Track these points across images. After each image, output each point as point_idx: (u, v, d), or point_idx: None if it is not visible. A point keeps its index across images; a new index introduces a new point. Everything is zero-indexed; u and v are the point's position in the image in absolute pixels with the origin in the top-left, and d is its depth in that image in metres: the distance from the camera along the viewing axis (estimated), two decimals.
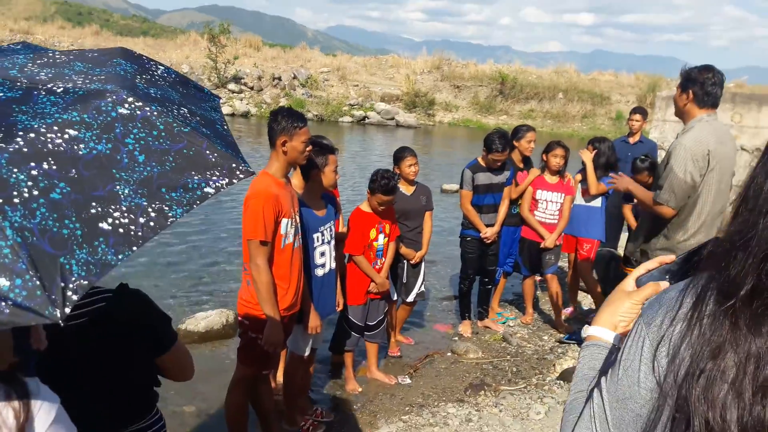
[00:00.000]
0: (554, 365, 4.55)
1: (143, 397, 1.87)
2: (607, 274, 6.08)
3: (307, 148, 3.04)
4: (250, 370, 3.12)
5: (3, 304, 0.89)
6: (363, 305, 4.11)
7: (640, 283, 1.07)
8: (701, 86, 3.34)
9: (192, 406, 3.87)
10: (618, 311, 1.05)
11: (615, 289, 1.10)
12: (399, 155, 4.48)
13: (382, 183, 3.81)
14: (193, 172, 1.18)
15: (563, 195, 5.21)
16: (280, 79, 23.54)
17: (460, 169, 5.07)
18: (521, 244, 5.39)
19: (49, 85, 1.22)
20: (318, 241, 3.42)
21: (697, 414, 0.75)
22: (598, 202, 5.40)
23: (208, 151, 1.22)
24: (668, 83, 24.84)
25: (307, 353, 3.53)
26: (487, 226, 4.96)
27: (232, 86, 22.38)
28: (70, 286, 0.95)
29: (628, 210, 5.38)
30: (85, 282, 0.97)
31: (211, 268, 6.60)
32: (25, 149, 1.04)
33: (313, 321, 3.36)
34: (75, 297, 0.95)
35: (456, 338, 5.21)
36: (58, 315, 0.92)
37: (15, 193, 0.99)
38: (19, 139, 1.05)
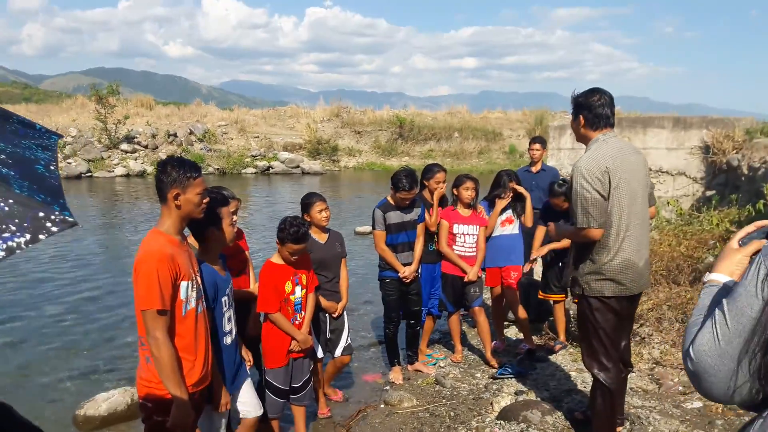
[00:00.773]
0: (491, 404, 4.34)
1: None
2: (527, 300, 6.05)
3: (204, 200, 2.70)
4: None
5: None
6: (285, 367, 3.72)
7: (743, 243, 1.42)
8: (590, 110, 3.36)
9: None
10: (733, 262, 1.41)
11: (724, 248, 1.45)
12: (307, 201, 4.20)
13: (291, 231, 3.51)
14: None
15: (478, 227, 5.16)
16: (175, 135, 22.77)
17: (370, 210, 4.87)
18: (443, 280, 5.23)
19: None
20: (225, 305, 3.04)
21: None
22: (516, 229, 5.39)
23: None
24: (553, 116, 26.51)
25: None
26: (404, 265, 4.77)
27: (125, 146, 21.38)
28: None
29: (540, 234, 5.37)
30: None
31: (112, 343, 5.95)
32: None
33: (224, 396, 2.96)
34: None
35: (387, 387, 4.90)
36: None
37: None
38: None
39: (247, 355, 3.51)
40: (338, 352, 4.31)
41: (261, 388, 3.81)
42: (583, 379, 4.65)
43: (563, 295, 5.34)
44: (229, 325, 3.08)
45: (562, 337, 5.50)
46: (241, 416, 3.27)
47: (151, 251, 2.50)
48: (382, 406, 4.53)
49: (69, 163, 20.06)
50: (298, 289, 3.71)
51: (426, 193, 5.16)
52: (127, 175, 20.10)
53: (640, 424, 3.83)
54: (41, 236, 0.91)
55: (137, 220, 12.98)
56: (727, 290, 1.33)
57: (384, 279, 4.86)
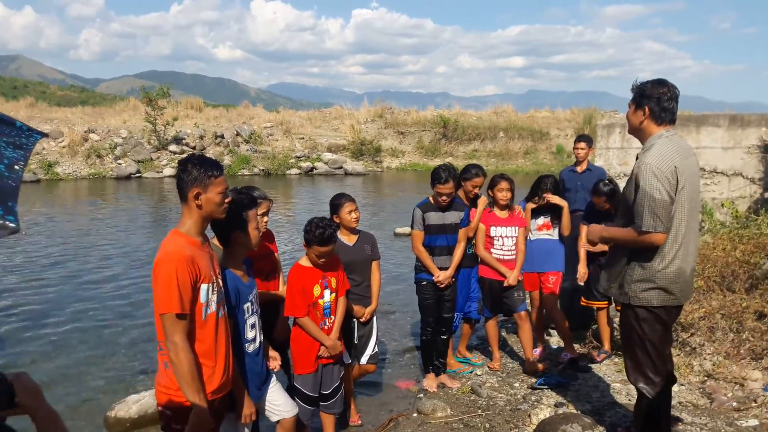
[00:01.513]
0: (529, 416, 4.14)
1: None
2: (572, 307, 5.80)
3: (226, 200, 2.62)
4: None
5: None
6: (314, 373, 3.63)
7: None
8: (657, 102, 3.12)
9: None
10: None
11: None
12: (336, 203, 4.09)
13: (317, 233, 3.41)
14: None
15: (517, 228, 4.98)
16: (222, 137, 23.16)
17: (411, 210, 4.74)
18: (481, 284, 5.07)
19: None
20: (248, 311, 2.96)
21: None
22: (555, 234, 5.20)
23: None
24: (602, 115, 25.76)
25: None
26: (441, 269, 4.60)
27: (173, 147, 21.86)
28: None
29: (584, 233, 5.12)
30: None
31: (150, 344, 6.01)
32: None
33: (248, 408, 2.87)
34: None
35: (421, 395, 4.76)
36: None
37: None
38: None
39: (273, 354, 3.38)
40: (364, 359, 4.19)
41: (290, 393, 3.73)
42: (628, 392, 4.40)
43: (606, 302, 5.08)
44: (252, 332, 3.00)
45: (606, 346, 5.24)
46: (277, 418, 3.19)
47: (169, 253, 2.44)
48: (415, 415, 4.38)
49: (119, 164, 20.67)
50: (327, 292, 3.61)
51: (461, 193, 5.00)
52: (175, 176, 20.55)
53: None
54: None
55: None
56: None
57: (420, 281, 4.70)
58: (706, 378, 4.54)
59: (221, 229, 2.88)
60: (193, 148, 22.26)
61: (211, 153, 21.85)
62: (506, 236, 4.96)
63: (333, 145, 24.55)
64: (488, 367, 5.24)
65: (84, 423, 4.38)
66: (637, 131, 3.24)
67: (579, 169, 6.36)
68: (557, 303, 5.15)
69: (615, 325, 5.29)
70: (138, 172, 20.55)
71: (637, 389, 3.29)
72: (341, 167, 22.85)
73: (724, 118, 9.05)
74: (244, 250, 2.97)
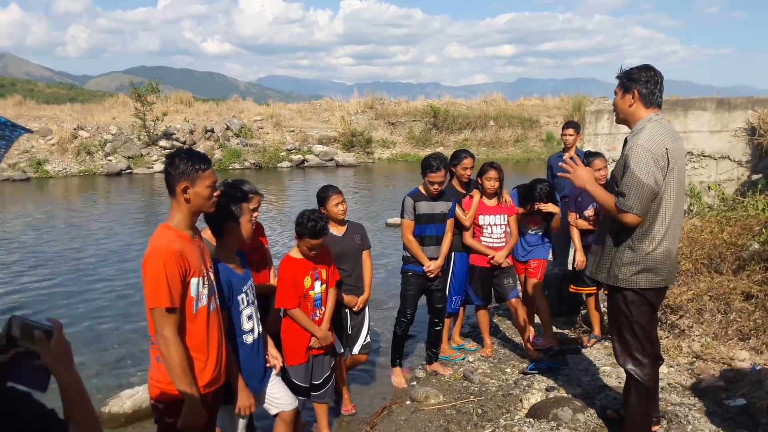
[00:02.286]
0: (521, 401, 4.20)
1: None
2: (561, 294, 5.86)
3: (215, 194, 2.63)
4: None
5: None
6: (305, 364, 3.66)
7: None
8: (645, 85, 3.16)
9: None
10: None
11: None
12: (323, 195, 4.10)
13: (308, 226, 3.43)
14: None
15: (506, 216, 5.01)
16: (212, 131, 23.05)
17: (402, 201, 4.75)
18: (471, 272, 5.10)
19: None
20: (243, 303, 2.97)
21: None
22: (541, 231, 5.23)
23: None
24: (591, 101, 25.80)
25: None
26: (431, 259, 4.64)
27: (163, 143, 21.74)
28: None
29: (573, 220, 5.15)
30: None
31: (142, 339, 6.01)
32: None
33: (245, 399, 2.88)
34: None
35: (414, 383, 4.81)
36: None
37: None
38: None
39: (274, 353, 3.32)
40: (356, 349, 4.23)
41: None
42: (617, 375, 4.46)
43: (595, 288, 5.13)
44: (249, 324, 3.01)
45: (596, 330, 5.29)
46: (276, 411, 3.22)
47: (158, 247, 2.45)
48: (408, 402, 4.43)
49: (109, 161, 20.56)
50: (317, 284, 3.64)
51: (455, 182, 5.03)
52: None
53: (677, 423, 3.63)
54: None
55: None
56: None
57: (407, 272, 4.72)
58: (694, 359, 4.61)
59: (214, 221, 2.89)
60: (183, 143, 22.15)
61: (201, 147, 21.76)
62: (495, 224, 4.99)
63: (324, 137, 24.50)
64: (480, 354, 5.29)
65: None
66: (625, 117, 3.27)
67: (567, 155, 6.38)
68: (541, 290, 5.18)
69: (604, 309, 5.35)
70: (128, 168, 20.45)
71: (626, 371, 3.34)
72: (332, 159, 22.83)
73: (711, 101, 9.09)
74: (237, 243, 2.98)
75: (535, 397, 4.20)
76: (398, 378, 4.80)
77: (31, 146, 20.36)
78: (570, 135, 6.37)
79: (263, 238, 4.04)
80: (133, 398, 4.37)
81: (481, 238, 5.02)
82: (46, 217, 12.82)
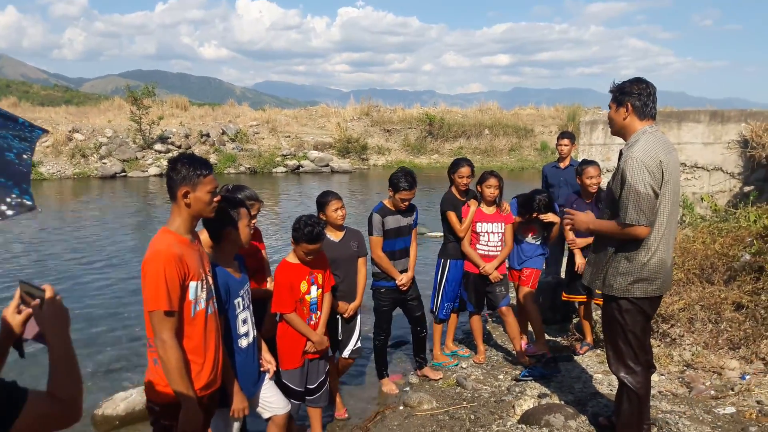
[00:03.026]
0: (513, 407, 4.23)
1: None
2: (554, 301, 5.91)
3: (215, 199, 2.67)
4: None
5: None
6: (301, 368, 3.69)
7: None
8: (638, 97, 3.22)
9: None
10: None
11: None
12: (322, 200, 4.14)
13: (306, 231, 3.46)
14: None
15: (503, 224, 5.06)
16: (208, 135, 23.08)
17: None
18: (465, 279, 5.15)
19: None
20: (239, 307, 3.00)
21: None
22: (538, 240, 5.29)
23: None
24: (586, 111, 25.93)
25: None
26: (401, 272, 4.65)
27: (158, 146, 21.76)
28: None
29: (570, 240, 5.20)
30: None
31: (137, 341, 6.03)
32: None
33: (239, 402, 2.91)
34: None
35: (407, 388, 4.84)
36: None
37: None
38: None
39: (269, 358, 3.33)
40: (346, 353, 4.25)
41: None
42: (609, 382, 4.50)
43: (586, 297, 5.17)
44: (244, 327, 3.04)
45: (588, 338, 5.34)
46: (269, 415, 3.24)
47: (158, 251, 2.48)
48: (401, 407, 4.46)
49: (104, 164, 20.54)
50: (313, 288, 3.67)
51: (454, 190, 5.09)
52: (160, 175, 20.42)
53: (668, 431, 3.67)
54: None
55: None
56: None
57: (379, 289, 4.69)
58: (685, 368, 4.66)
59: (213, 226, 2.92)
60: (179, 147, 22.16)
61: (196, 152, 21.76)
62: (492, 232, 5.04)
63: (319, 143, 24.56)
64: (473, 360, 5.33)
65: None
66: (620, 129, 3.33)
67: (562, 165, 6.46)
68: (533, 298, 5.22)
69: (596, 318, 5.41)
70: (123, 171, 20.44)
71: (619, 379, 3.38)
72: (327, 165, 22.89)
73: (705, 114, 9.20)
74: (235, 247, 3.02)
75: (527, 404, 4.23)
76: (388, 386, 4.83)
77: None
78: (565, 145, 6.44)
79: (261, 244, 4.08)
80: (126, 401, 4.38)
81: (478, 245, 5.06)
82: (40, 220, 12.78)
